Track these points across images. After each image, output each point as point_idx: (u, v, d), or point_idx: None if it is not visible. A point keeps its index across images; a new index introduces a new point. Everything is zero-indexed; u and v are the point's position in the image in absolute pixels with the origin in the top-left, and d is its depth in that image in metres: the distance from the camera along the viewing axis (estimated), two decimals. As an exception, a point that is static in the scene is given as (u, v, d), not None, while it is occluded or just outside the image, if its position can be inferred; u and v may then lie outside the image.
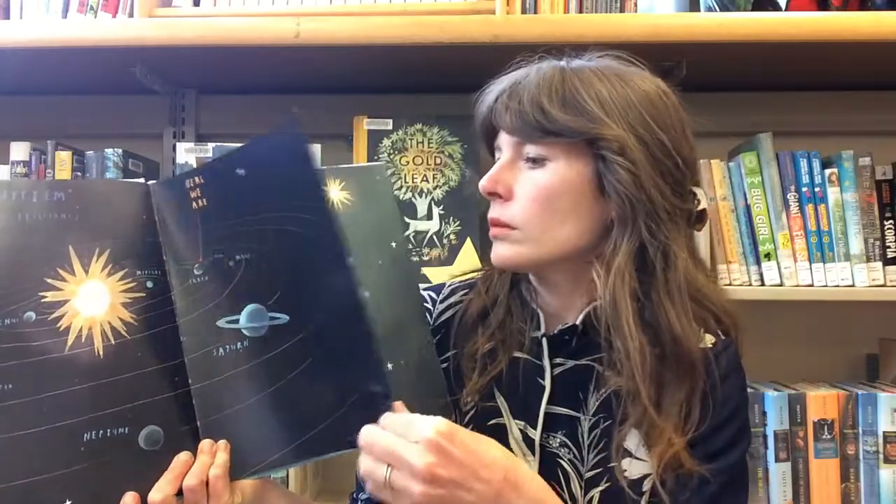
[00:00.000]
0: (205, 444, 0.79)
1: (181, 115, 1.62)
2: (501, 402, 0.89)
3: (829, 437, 1.30)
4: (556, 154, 0.83)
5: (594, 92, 0.82)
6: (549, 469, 0.84)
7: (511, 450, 0.84)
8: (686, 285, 0.82)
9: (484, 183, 0.85)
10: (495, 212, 0.86)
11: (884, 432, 1.29)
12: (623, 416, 0.82)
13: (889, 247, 1.35)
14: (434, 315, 0.96)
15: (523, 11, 1.39)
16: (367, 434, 0.71)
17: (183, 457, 0.78)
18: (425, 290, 0.98)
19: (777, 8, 1.38)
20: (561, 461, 0.85)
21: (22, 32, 1.33)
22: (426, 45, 1.28)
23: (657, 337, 0.81)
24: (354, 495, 0.96)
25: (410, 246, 1.39)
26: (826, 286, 1.34)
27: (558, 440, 0.86)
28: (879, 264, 1.34)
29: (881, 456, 1.29)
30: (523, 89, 0.83)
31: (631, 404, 0.80)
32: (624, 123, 0.81)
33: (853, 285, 1.34)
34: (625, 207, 0.81)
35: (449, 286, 0.99)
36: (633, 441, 0.82)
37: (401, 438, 0.70)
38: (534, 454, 0.86)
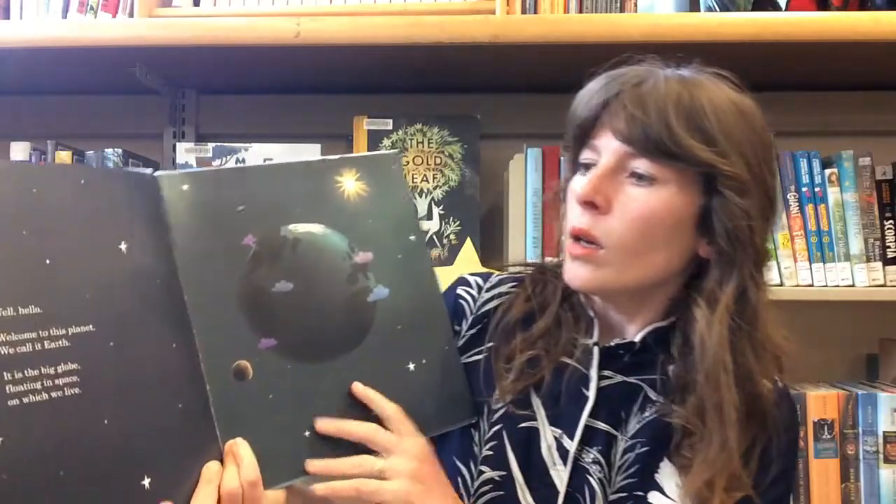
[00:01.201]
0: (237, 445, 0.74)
1: (181, 115, 1.62)
2: (538, 406, 0.85)
3: (829, 437, 1.30)
4: (668, 177, 0.76)
5: (721, 120, 0.76)
6: (578, 483, 0.82)
7: (542, 457, 0.83)
8: (769, 335, 0.79)
9: (586, 189, 0.77)
10: (585, 222, 0.78)
11: (884, 432, 1.29)
12: (673, 448, 0.79)
13: (889, 247, 1.35)
14: (478, 303, 0.92)
15: (523, 11, 1.39)
16: (370, 428, 0.77)
17: (214, 466, 0.72)
18: (472, 275, 0.95)
19: (777, 8, 1.38)
20: (590, 477, 0.81)
21: (22, 32, 1.34)
22: (426, 45, 1.28)
23: (743, 385, 0.77)
24: None
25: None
26: (826, 286, 1.34)
27: (592, 456, 0.82)
28: (879, 264, 1.34)
29: (881, 456, 1.29)
30: (649, 97, 0.76)
31: (694, 446, 0.77)
32: (743, 159, 0.76)
33: (853, 285, 1.34)
34: (734, 248, 0.77)
35: (497, 276, 0.95)
36: (667, 477, 0.80)
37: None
38: (565, 465, 0.82)
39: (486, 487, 0.83)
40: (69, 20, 1.48)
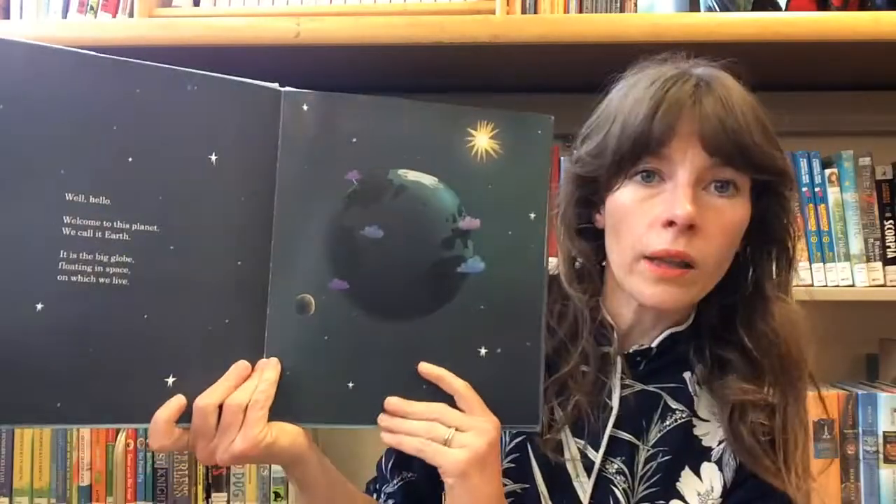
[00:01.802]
0: (269, 366, 0.73)
1: (181, 115, 1.61)
2: (560, 417, 0.83)
3: (828, 437, 1.30)
4: (744, 185, 0.76)
5: (770, 125, 0.77)
6: (602, 495, 0.81)
7: (565, 469, 0.82)
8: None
9: (689, 211, 0.72)
10: (682, 244, 0.73)
11: (884, 432, 1.29)
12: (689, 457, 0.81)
13: (889, 247, 1.35)
14: None
15: (523, 11, 1.39)
16: (438, 408, 0.75)
17: (242, 365, 0.72)
18: None
19: (777, 8, 1.38)
20: (615, 488, 0.81)
21: (22, 32, 1.33)
22: (426, 45, 1.28)
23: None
24: (376, 485, 0.94)
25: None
26: (826, 286, 1.34)
27: (616, 466, 0.81)
28: (879, 264, 1.35)
29: (881, 456, 1.29)
30: (734, 103, 0.73)
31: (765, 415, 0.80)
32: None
33: (853, 285, 1.34)
34: (787, 241, 0.82)
35: None
36: (688, 486, 0.80)
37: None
38: (589, 477, 0.81)
39: (508, 501, 0.81)
40: (69, 20, 1.47)
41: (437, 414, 0.74)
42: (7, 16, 1.52)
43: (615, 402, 0.82)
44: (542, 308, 0.78)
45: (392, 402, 0.75)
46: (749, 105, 0.75)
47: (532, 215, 0.77)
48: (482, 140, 0.77)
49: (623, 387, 0.83)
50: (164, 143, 0.71)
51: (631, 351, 0.84)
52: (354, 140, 0.75)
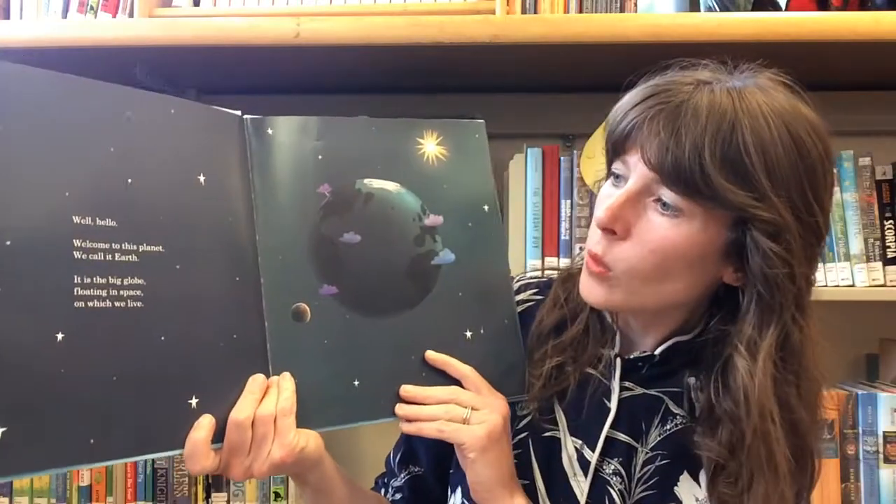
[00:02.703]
0: (283, 378, 0.75)
1: (181, 115, 1.61)
2: (560, 416, 0.85)
3: (829, 437, 1.30)
4: (695, 213, 0.72)
5: (764, 156, 0.69)
6: (598, 494, 0.82)
7: (563, 467, 0.83)
8: (815, 374, 0.77)
9: (602, 216, 0.74)
10: (599, 247, 0.75)
11: (884, 432, 1.29)
12: (709, 482, 0.78)
13: (889, 247, 1.35)
14: None
15: (523, 11, 1.39)
16: (452, 390, 0.80)
17: (260, 378, 0.74)
18: None
19: (777, 8, 1.38)
20: (611, 489, 0.81)
21: (22, 32, 1.33)
22: (426, 45, 1.28)
23: (789, 434, 0.75)
24: (385, 480, 0.96)
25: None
26: (826, 286, 1.34)
27: (612, 467, 0.82)
28: (879, 264, 1.34)
29: (881, 456, 1.29)
30: (685, 126, 0.69)
31: (734, 484, 0.75)
32: (787, 201, 0.71)
33: (853, 285, 1.34)
34: (773, 294, 0.72)
35: (518, 280, 0.94)
36: (686, 492, 0.80)
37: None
38: (586, 476, 0.82)
39: None
40: (69, 20, 1.48)
41: (453, 396, 0.79)
42: (7, 16, 1.52)
43: (613, 404, 0.83)
44: (510, 285, 0.88)
45: (408, 389, 0.79)
46: (714, 132, 0.69)
47: (486, 207, 0.87)
48: (431, 147, 0.86)
49: (624, 389, 0.83)
50: (159, 165, 0.72)
51: (632, 357, 0.84)
52: (321, 157, 0.81)
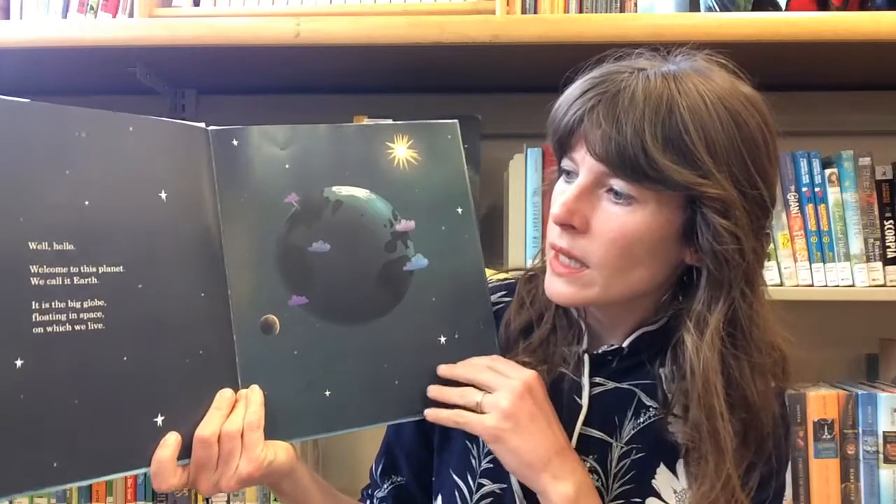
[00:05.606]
0: (251, 391, 0.75)
1: (181, 115, 1.61)
2: None
3: (829, 437, 1.30)
4: (647, 197, 0.73)
5: (703, 133, 0.70)
6: None
7: None
8: (768, 346, 0.77)
9: (558, 212, 0.75)
10: (565, 242, 0.76)
11: (884, 432, 1.29)
12: (683, 461, 0.79)
13: (889, 247, 1.35)
14: None
15: (523, 11, 1.39)
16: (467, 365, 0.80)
17: (227, 393, 0.74)
18: None
19: (777, 8, 1.38)
20: None
21: (22, 32, 1.33)
22: (426, 45, 1.28)
23: (738, 409, 0.75)
24: (369, 491, 0.95)
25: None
26: (826, 286, 1.34)
27: (588, 465, 0.80)
28: (879, 264, 1.35)
29: (881, 456, 1.29)
30: (625, 113, 0.71)
31: (699, 464, 0.75)
32: (729, 176, 0.72)
33: (853, 285, 1.34)
34: (722, 269, 0.73)
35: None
36: (664, 484, 0.80)
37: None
38: None
39: (486, 501, 0.82)
40: (69, 20, 1.48)
41: (481, 370, 0.79)
42: (7, 16, 1.52)
43: (584, 401, 0.82)
44: (486, 289, 0.86)
45: (431, 390, 0.80)
46: (653, 116, 0.70)
47: (459, 210, 0.86)
48: (401, 151, 0.84)
49: (595, 385, 0.83)
50: (117, 184, 0.71)
51: (600, 351, 0.83)
52: (287, 166, 0.80)
